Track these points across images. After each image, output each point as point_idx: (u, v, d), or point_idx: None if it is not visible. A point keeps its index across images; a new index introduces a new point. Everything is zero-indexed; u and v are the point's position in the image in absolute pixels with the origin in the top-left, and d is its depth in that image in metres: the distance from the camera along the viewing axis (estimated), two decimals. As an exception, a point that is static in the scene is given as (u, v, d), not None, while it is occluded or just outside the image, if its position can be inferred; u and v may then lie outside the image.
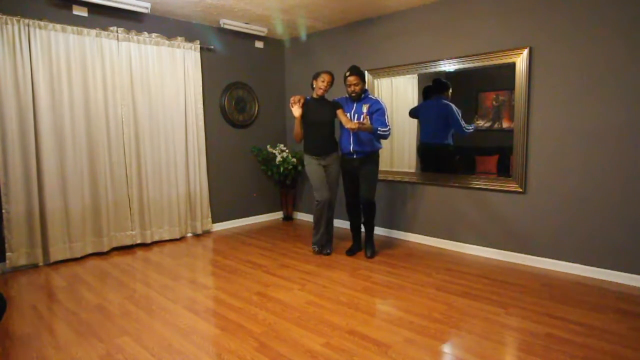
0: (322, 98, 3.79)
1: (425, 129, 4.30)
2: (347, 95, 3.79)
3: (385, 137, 3.63)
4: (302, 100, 3.73)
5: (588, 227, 3.33)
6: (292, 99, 3.75)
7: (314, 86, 3.77)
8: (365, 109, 3.59)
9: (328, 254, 3.99)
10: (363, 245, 4.04)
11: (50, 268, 3.75)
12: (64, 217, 3.89)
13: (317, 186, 3.79)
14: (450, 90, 4.06)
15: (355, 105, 3.75)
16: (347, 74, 3.64)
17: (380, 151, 3.87)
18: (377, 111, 3.61)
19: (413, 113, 4.34)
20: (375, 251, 3.96)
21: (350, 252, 4.01)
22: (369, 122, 3.50)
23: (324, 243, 4.00)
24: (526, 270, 3.52)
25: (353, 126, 3.41)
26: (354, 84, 3.64)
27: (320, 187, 3.78)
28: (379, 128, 3.54)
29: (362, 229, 4.05)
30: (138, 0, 4.00)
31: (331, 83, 3.74)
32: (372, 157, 3.78)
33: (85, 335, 2.49)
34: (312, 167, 3.82)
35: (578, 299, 2.92)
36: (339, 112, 3.72)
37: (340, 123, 3.75)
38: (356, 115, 3.69)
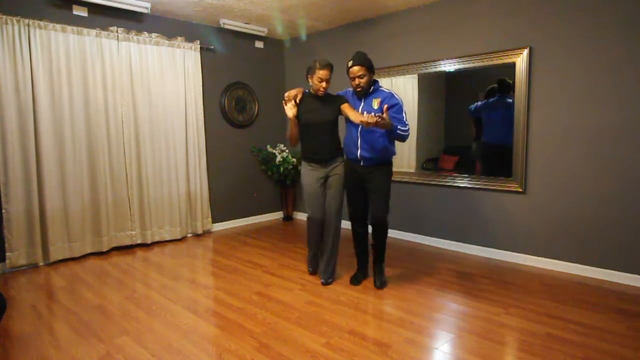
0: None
1: (490, 129, 4.03)
2: (352, 90, 3.10)
3: (404, 138, 2.95)
4: (298, 96, 3.09)
5: (588, 227, 3.33)
6: (286, 95, 3.07)
7: (310, 83, 3.10)
8: (376, 104, 2.93)
9: (329, 284, 3.24)
10: (371, 271, 3.36)
11: (50, 268, 3.75)
12: (63, 217, 3.89)
13: (308, 202, 3.17)
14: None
15: (362, 102, 3.03)
16: (350, 63, 2.94)
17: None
18: (393, 107, 2.89)
19: (474, 112, 3.98)
20: (385, 281, 3.21)
21: (355, 281, 3.26)
22: (388, 117, 2.73)
23: (323, 268, 3.29)
24: (526, 270, 3.52)
25: (370, 120, 2.58)
26: (359, 76, 2.91)
27: (312, 203, 3.16)
28: (398, 126, 2.84)
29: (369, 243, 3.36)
30: (138, 0, 4.00)
31: (331, 75, 3.04)
32: (384, 166, 3.07)
33: (85, 335, 2.48)
34: (308, 178, 3.16)
35: (578, 299, 2.92)
36: (345, 106, 3.03)
37: (348, 120, 3.08)
38: (364, 113, 2.89)
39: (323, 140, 3.11)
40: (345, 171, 3.18)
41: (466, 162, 4.10)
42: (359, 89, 2.98)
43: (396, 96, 2.98)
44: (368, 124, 2.61)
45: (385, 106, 2.74)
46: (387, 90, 3.03)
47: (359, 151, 3.02)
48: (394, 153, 3.11)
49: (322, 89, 3.03)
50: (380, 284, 3.17)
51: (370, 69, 2.95)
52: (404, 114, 2.95)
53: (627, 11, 3.04)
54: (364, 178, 3.07)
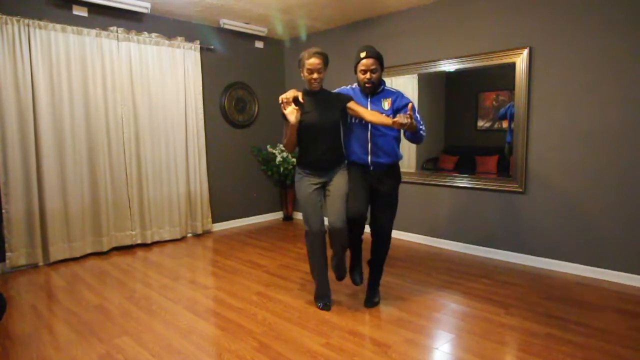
0: (321, 90, 2.71)
1: None
2: (357, 86, 2.76)
3: (423, 138, 2.66)
4: (300, 96, 2.61)
5: (588, 227, 3.33)
6: (282, 97, 2.59)
7: (303, 78, 2.69)
8: (387, 105, 2.65)
9: (327, 308, 2.81)
10: (358, 277, 3.02)
11: (50, 268, 3.75)
12: (63, 217, 3.88)
13: (306, 214, 2.73)
14: None
15: (369, 101, 2.69)
16: (362, 54, 2.61)
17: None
18: (407, 106, 2.62)
19: (504, 116, 3.78)
20: (379, 301, 2.90)
21: (358, 279, 2.98)
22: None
23: (327, 293, 2.86)
24: (526, 270, 3.52)
25: (404, 121, 2.33)
26: (372, 70, 2.60)
27: (311, 215, 2.70)
28: (420, 127, 2.58)
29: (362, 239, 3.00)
30: (138, 0, 4.00)
31: (325, 66, 2.66)
32: (394, 170, 2.81)
33: (85, 335, 2.48)
34: (304, 188, 2.71)
35: (578, 299, 2.91)
36: (353, 105, 2.65)
37: (350, 121, 2.72)
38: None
39: (322, 146, 2.65)
40: (349, 171, 2.78)
41: (466, 162, 4.10)
42: (368, 85, 2.64)
43: (405, 95, 2.73)
44: (401, 125, 2.35)
45: (410, 104, 2.51)
46: (394, 90, 2.76)
47: (369, 157, 2.70)
48: (401, 157, 2.84)
49: (314, 82, 2.62)
50: (374, 304, 2.86)
51: (382, 64, 2.67)
52: (417, 113, 2.68)
53: (627, 11, 3.04)
54: (375, 183, 2.75)
